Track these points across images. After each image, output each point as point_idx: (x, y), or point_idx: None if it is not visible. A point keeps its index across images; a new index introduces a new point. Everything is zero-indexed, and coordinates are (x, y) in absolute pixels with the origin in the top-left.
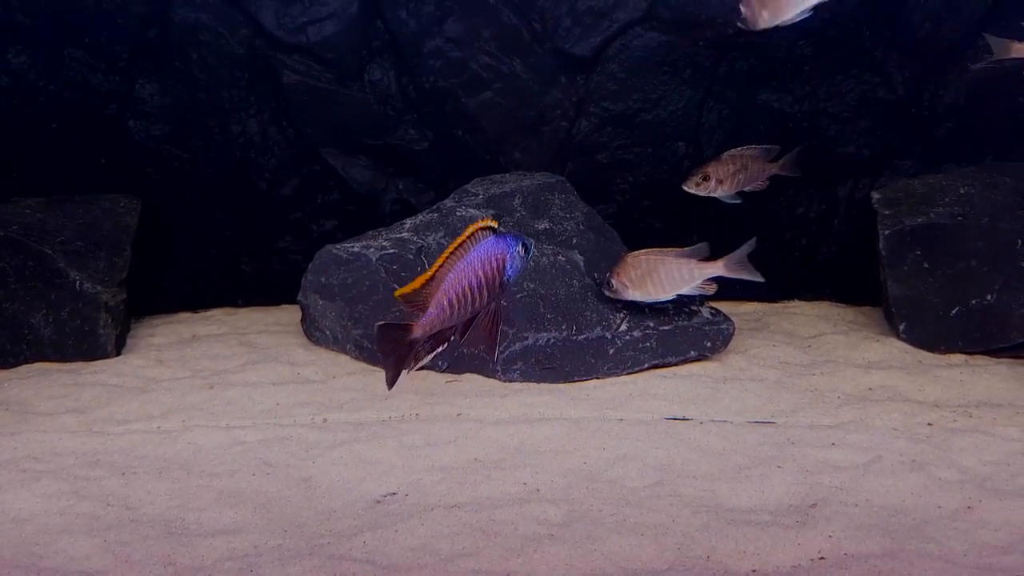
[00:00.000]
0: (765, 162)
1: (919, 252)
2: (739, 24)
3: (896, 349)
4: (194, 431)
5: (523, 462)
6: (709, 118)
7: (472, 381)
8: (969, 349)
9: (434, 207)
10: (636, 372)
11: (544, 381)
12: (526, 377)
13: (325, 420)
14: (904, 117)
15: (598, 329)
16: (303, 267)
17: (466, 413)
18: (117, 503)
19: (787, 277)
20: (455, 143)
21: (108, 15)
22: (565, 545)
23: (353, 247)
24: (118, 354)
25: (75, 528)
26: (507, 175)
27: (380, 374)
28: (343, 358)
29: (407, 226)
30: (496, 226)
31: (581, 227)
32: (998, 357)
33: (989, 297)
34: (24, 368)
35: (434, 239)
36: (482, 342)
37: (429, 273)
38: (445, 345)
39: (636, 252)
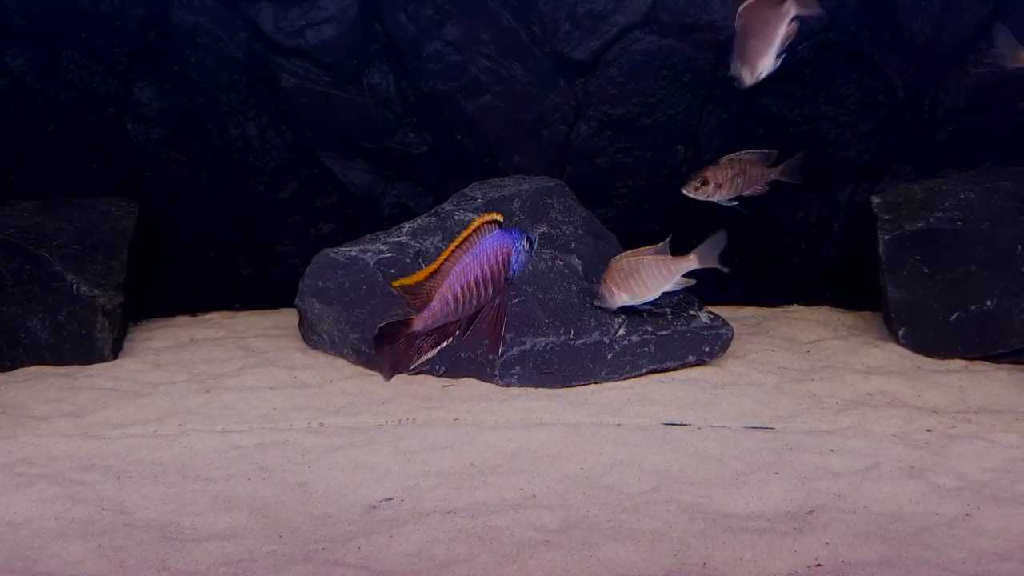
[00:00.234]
0: (764, 167)
1: (919, 257)
2: (735, 84)
3: (895, 354)
4: (190, 435)
5: (520, 467)
6: (709, 122)
7: (470, 386)
8: (969, 354)
9: (432, 211)
10: (634, 377)
11: (542, 386)
12: (524, 382)
13: (322, 424)
14: (904, 121)
15: (596, 334)
16: (301, 271)
17: (463, 418)
18: (112, 507)
19: (786, 281)
20: (454, 147)
21: (106, 18)
22: (561, 551)
23: (350, 251)
24: (115, 358)
25: (69, 533)
26: (506, 179)
27: (377, 378)
28: (340, 362)
29: (405, 230)
30: (501, 220)
31: (580, 231)
32: (998, 363)
33: (989, 302)
34: (21, 371)
35: (432, 243)
36: (485, 338)
37: (433, 266)
38: (449, 340)
39: (616, 257)
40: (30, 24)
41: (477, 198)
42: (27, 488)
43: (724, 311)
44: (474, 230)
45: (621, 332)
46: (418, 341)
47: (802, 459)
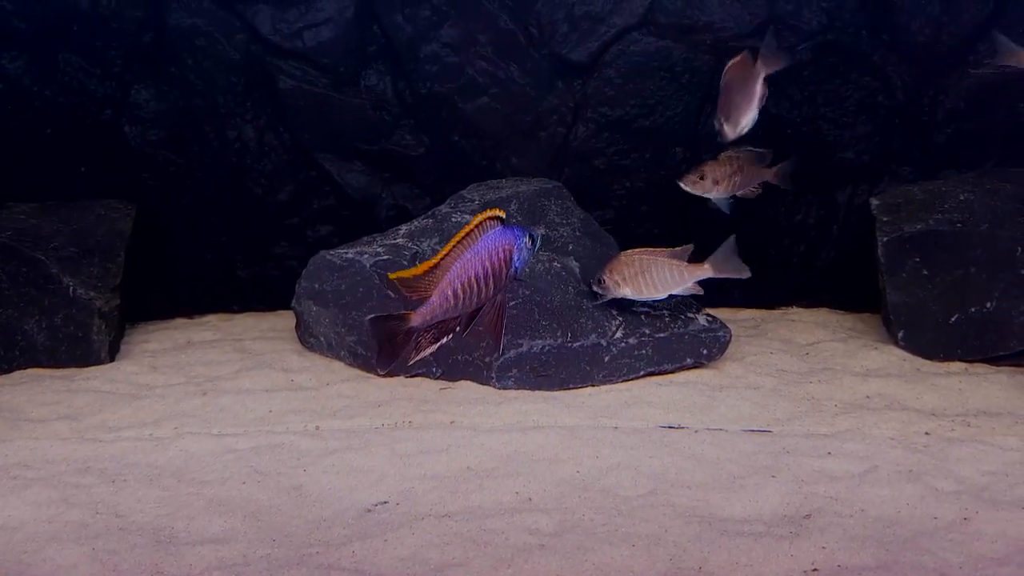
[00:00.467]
0: (760, 167)
1: (918, 259)
2: (717, 139)
3: (895, 357)
4: (186, 438)
5: (516, 471)
6: (707, 124)
7: (466, 388)
8: (968, 357)
9: (429, 213)
10: (632, 379)
11: (539, 389)
12: (521, 384)
13: (318, 427)
14: (904, 122)
15: (593, 336)
16: (299, 273)
17: (460, 421)
18: (106, 511)
19: (785, 283)
20: (452, 148)
21: (103, 20)
22: (556, 555)
23: (347, 253)
24: (112, 360)
25: (63, 536)
26: (503, 181)
27: (374, 381)
28: (337, 364)
29: (402, 232)
30: (504, 217)
31: (577, 233)
32: (998, 365)
33: (989, 305)
34: (17, 374)
35: (429, 245)
36: (485, 336)
37: (433, 260)
38: (449, 337)
39: (629, 251)
40: (28, 27)
41: (474, 200)
42: (22, 491)
43: (723, 313)
44: (476, 226)
45: (618, 335)
46: (417, 337)
47: (799, 462)
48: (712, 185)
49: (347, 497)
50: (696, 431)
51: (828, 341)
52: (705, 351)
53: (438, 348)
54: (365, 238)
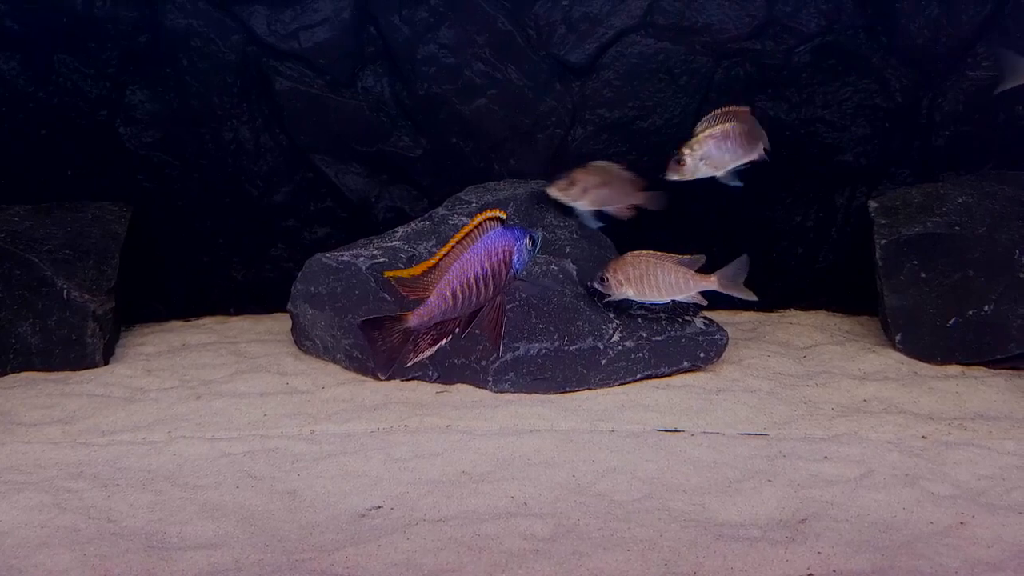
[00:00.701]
0: (630, 188)
1: (916, 262)
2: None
3: (892, 360)
4: (179, 442)
5: (511, 475)
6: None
7: (463, 392)
8: (966, 360)
9: (426, 215)
10: (628, 383)
11: (535, 392)
12: (517, 388)
13: (312, 431)
14: (902, 125)
15: (590, 339)
16: (295, 275)
17: (455, 424)
18: (99, 516)
19: (783, 286)
20: (449, 150)
21: (98, 21)
22: (550, 561)
23: (343, 256)
24: (106, 363)
25: (55, 541)
26: (501, 183)
27: (370, 384)
28: (333, 368)
29: (399, 234)
30: (504, 217)
31: (575, 236)
32: (995, 368)
33: (987, 308)
34: (10, 378)
35: (425, 248)
36: (483, 337)
37: (432, 260)
38: (449, 338)
39: (636, 252)
40: (22, 28)
41: (472, 202)
42: (13, 496)
43: (721, 316)
44: (476, 227)
45: (616, 338)
46: (415, 337)
47: (796, 466)
48: (580, 193)
49: (341, 502)
50: (693, 435)
51: (826, 344)
52: (702, 354)
53: (437, 350)
54: (361, 240)
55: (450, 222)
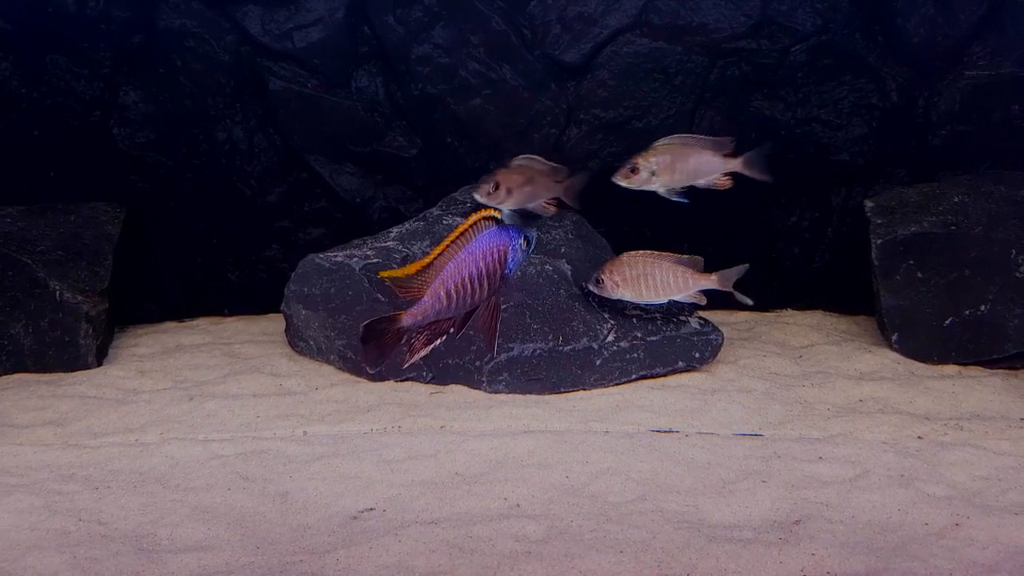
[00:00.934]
0: (551, 181)
1: (912, 262)
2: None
3: (888, 360)
4: (172, 444)
5: (505, 476)
6: (701, 125)
7: (457, 393)
8: (962, 360)
9: (420, 215)
10: (623, 383)
11: (530, 393)
12: (511, 389)
13: (305, 433)
14: (898, 124)
15: (585, 340)
16: (289, 276)
17: (449, 426)
18: (89, 518)
19: (780, 286)
20: (444, 150)
21: (91, 21)
22: (543, 563)
23: (336, 256)
24: (99, 364)
25: (45, 544)
26: None
27: (364, 385)
28: (327, 369)
29: (392, 235)
30: (499, 217)
31: (570, 236)
32: (992, 368)
33: (983, 307)
34: (3, 379)
35: (419, 248)
36: (479, 337)
37: (426, 260)
38: (443, 338)
39: (633, 252)
40: (14, 28)
41: (466, 202)
42: (4, 498)
43: (717, 316)
44: (471, 226)
45: (610, 338)
46: (408, 337)
47: (791, 467)
48: (506, 196)
49: (333, 504)
50: (687, 435)
51: (822, 344)
52: (697, 354)
53: (431, 350)
54: (355, 241)
55: (444, 222)
